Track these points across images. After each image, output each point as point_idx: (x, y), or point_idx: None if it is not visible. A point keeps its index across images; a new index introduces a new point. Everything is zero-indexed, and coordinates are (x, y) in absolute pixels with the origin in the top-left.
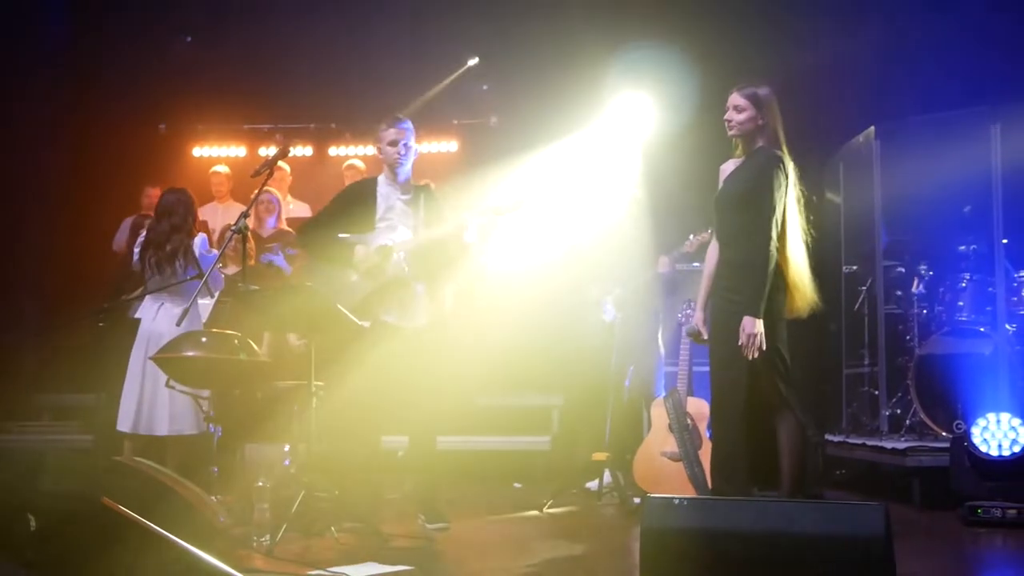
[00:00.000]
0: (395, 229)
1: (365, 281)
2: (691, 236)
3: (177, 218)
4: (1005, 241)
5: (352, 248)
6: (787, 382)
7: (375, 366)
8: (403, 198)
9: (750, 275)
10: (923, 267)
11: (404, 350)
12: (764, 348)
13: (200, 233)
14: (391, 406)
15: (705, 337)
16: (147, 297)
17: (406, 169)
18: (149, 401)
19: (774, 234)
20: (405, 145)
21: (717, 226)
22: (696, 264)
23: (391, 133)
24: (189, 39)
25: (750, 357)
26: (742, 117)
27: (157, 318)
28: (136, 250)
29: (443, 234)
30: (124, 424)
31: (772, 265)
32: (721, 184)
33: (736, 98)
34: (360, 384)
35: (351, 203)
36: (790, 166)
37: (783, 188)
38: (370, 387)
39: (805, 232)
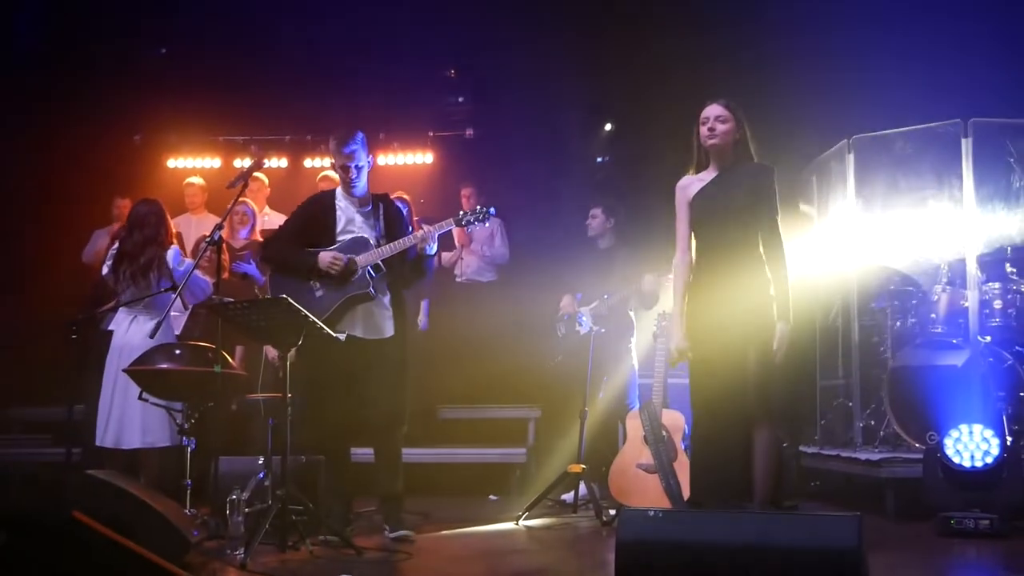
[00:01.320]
0: (358, 240)
1: (329, 295)
2: None
3: (150, 229)
4: (977, 253)
5: (314, 260)
6: (773, 395)
7: (342, 379)
8: (362, 210)
9: (747, 284)
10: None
11: (371, 362)
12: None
13: (173, 245)
14: (360, 418)
15: (690, 355)
16: (120, 310)
17: (360, 187)
18: (119, 414)
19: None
20: (356, 167)
21: (702, 239)
22: None
23: (340, 157)
24: (164, 51)
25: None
26: (726, 128)
27: (130, 331)
28: (108, 262)
29: (405, 246)
30: (96, 437)
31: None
32: (691, 198)
33: (718, 109)
34: (328, 397)
35: (312, 217)
36: None
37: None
38: (338, 400)
39: None
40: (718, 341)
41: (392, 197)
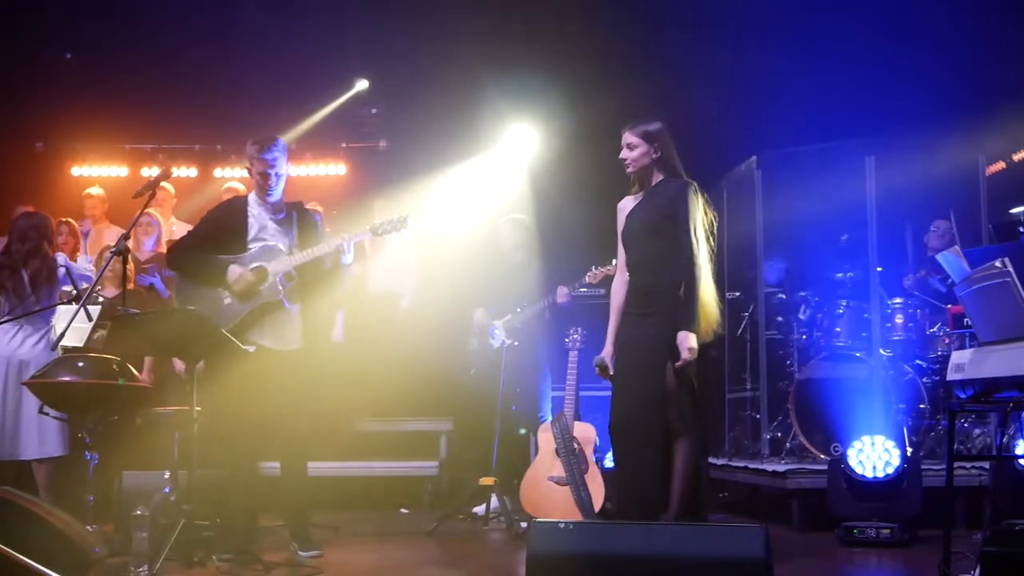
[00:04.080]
0: (269, 249)
1: (238, 303)
2: (594, 267)
3: (31, 244)
4: (880, 269)
5: (225, 267)
6: (693, 408)
7: (249, 390)
8: (275, 218)
9: (666, 298)
10: (803, 293)
11: (278, 373)
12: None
13: (59, 253)
14: (266, 431)
15: (612, 372)
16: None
17: (276, 195)
18: (11, 426)
19: (698, 255)
20: (276, 174)
21: (628, 256)
22: (601, 291)
23: (260, 163)
24: (69, 56)
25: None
26: (636, 154)
27: (12, 342)
28: None
29: (319, 256)
30: None
31: (700, 283)
32: (624, 219)
33: (628, 136)
34: (234, 409)
35: (222, 223)
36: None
37: (699, 211)
38: (244, 412)
39: (712, 257)
40: (636, 355)
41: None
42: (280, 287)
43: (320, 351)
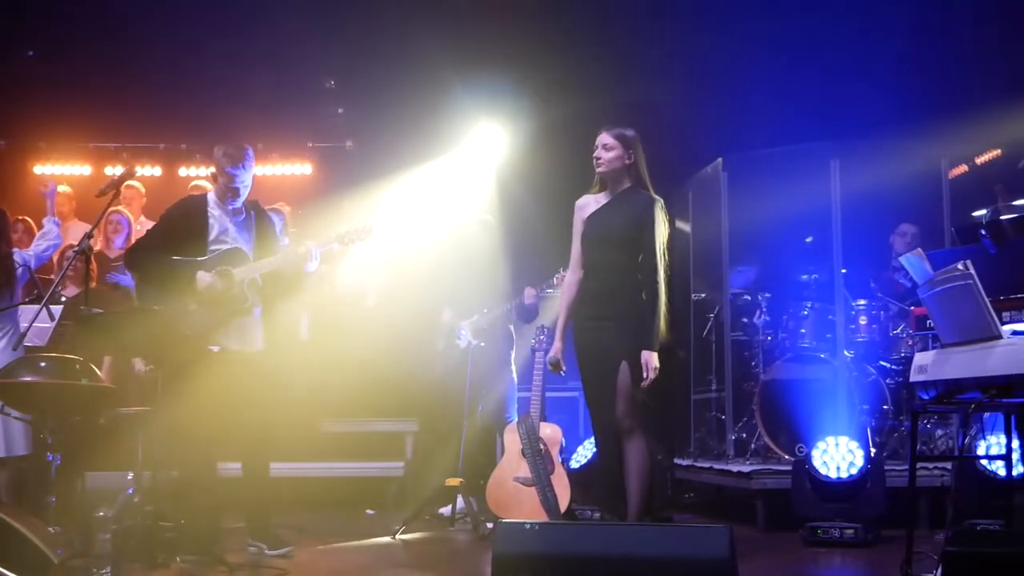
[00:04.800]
0: (233, 252)
1: (204, 308)
2: (561, 270)
3: None
4: (844, 271)
5: (189, 273)
6: (644, 404)
7: (212, 391)
8: (236, 220)
9: (622, 304)
10: (765, 295)
11: (242, 375)
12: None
13: (15, 249)
14: (229, 432)
15: (564, 368)
16: None
17: (239, 204)
18: None
19: (661, 273)
20: (244, 186)
21: (586, 259)
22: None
23: (227, 177)
24: (32, 53)
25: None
26: (611, 155)
27: None
28: None
29: (284, 262)
30: None
31: (662, 300)
32: (585, 219)
33: (605, 137)
34: (198, 410)
35: (182, 225)
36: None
37: (663, 228)
38: (208, 413)
39: (666, 266)
40: (596, 360)
41: (273, 208)
42: (246, 292)
43: (282, 352)
